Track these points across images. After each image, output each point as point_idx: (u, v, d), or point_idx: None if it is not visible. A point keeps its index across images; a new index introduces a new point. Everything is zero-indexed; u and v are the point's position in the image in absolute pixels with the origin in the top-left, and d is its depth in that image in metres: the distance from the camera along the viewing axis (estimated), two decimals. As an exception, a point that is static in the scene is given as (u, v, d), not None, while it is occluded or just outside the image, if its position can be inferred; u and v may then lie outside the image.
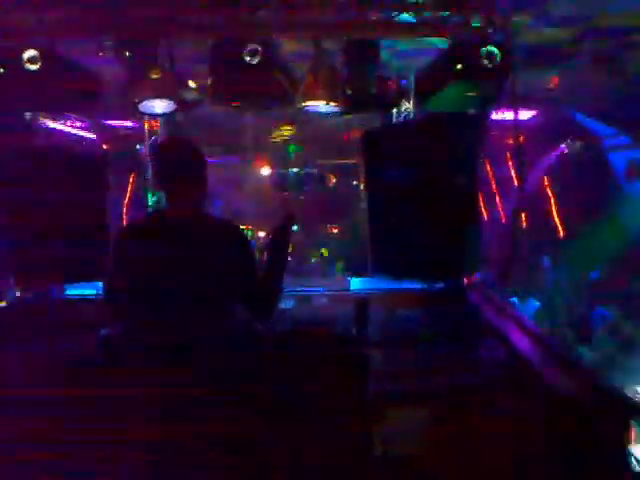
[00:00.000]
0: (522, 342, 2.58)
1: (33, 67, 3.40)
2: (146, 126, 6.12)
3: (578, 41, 4.81)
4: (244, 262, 2.25)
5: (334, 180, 9.38)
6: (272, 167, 7.82)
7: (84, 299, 3.79)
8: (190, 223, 2.24)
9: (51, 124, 5.95)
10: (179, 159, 2.25)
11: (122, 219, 8.14)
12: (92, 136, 6.89)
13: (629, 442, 1.75)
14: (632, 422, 1.74)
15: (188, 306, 2.16)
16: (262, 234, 7.43)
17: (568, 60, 5.25)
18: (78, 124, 6.46)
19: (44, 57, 3.39)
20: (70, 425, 2.15)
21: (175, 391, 2.02)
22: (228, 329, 2.32)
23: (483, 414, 1.96)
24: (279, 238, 2.34)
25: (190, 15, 3.42)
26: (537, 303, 6.98)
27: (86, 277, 3.63)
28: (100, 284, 3.85)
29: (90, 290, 3.85)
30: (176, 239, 2.19)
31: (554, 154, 8.04)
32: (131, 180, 8.25)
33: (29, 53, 3.41)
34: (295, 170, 7.50)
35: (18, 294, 3.67)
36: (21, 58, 3.40)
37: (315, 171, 7.70)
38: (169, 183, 2.24)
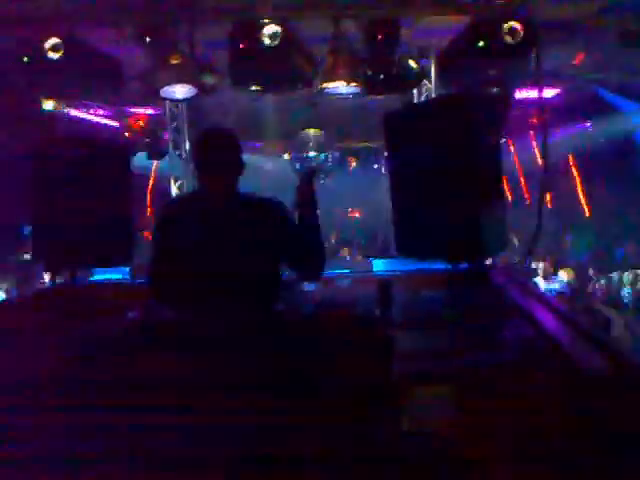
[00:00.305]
0: (548, 321, 2.55)
1: (55, 55, 3.44)
2: (167, 113, 6.17)
3: (601, 15, 4.68)
4: (289, 232, 2.31)
5: (354, 164, 9.34)
6: (292, 151, 7.81)
7: (111, 284, 3.85)
8: (231, 202, 2.30)
9: (74, 112, 6.04)
10: (219, 146, 2.33)
11: (145, 205, 8.26)
12: (115, 124, 6.96)
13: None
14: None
15: (234, 285, 2.21)
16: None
17: (592, 35, 5.13)
18: (101, 112, 6.53)
19: (66, 45, 3.42)
20: (100, 410, 2.19)
21: (207, 375, 2.05)
22: (266, 310, 2.37)
23: (509, 393, 1.95)
24: (305, 194, 2.39)
25: (208, -1, 3.41)
26: (562, 280, 6.92)
27: (111, 262, 3.69)
28: (126, 269, 3.93)
29: (116, 275, 3.92)
30: (219, 217, 2.25)
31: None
32: (154, 167, 8.33)
33: (51, 41, 3.45)
34: (314, 154, 7.48)
35: (47, 279, 3.74)
36: (43, 47, 3.44)
37: (336, 154, 7.68)
38: (210, 169, 2.30)
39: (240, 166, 2.35)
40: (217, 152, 2.32)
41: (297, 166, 7.76)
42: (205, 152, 2.36)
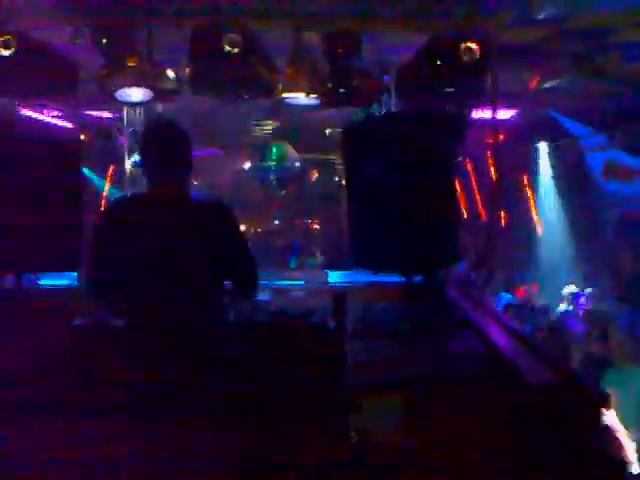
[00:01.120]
0: (498, 335, 2.59)
1: (6, 52, 3.33)
2: (124, 116, 6.06)
3: (556, 41, 4.85)
4: (233, 239, 2.28)
5: (316, 175, 9.36)
6: (253, 161, 7.78)
7: (57, 289, 3.72)
8: (174, 203, 2.24)
9: (26, 112, 5.85)
10: (166, 139, 2.28)
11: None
12: (69, 125, 6.78)
13: (601, 430, 1.77)
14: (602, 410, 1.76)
15: (174, 289, 2.15)
16: (242, 227, 7.39)
17: (547, 60, 5.31)
18: (55, 113, 6.35)
19: (18, 42, 3.32)
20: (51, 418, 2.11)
21: (155, 380, 2.00)
22: (210, 318, 2.32)
23: (457, 404, 1.97)
24: None
25: (169, 2, 3.37)
26: (509, 296, 7.09)
27: (59, 267, 3.57)
28: (74, 274, 3.81)
29: (63, 280, 3.79)
30: (160, 219, 2.18)
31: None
32: (110, 172, 8.15)
33: (2, 38, 3.34)
34: (275, 165, 7.46)
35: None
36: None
37: (297, 166, 7.67)
38: (156, 163, 2.24)
39: (189, 163, 2.30)
40: (167, 144, 2.26)
41: (258, 176, 7.73)
42: (155, 143, 2.30)
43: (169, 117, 4.30)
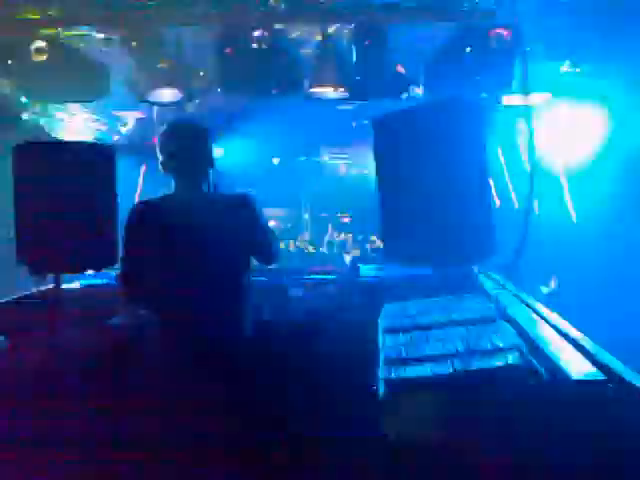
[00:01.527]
0: (535, 327, 2.55)
1: (40, 58, 3.41)
2: (155, 117, 6.13)
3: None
4: (257, 226, 2.35)
5: (344, 169, 9.33)
6: (280, 155, 7.80)
7: (95, 288, 3.81)
8: (201, 200, 2.27)
9: (59, 116, 5.98)
10: (186, 136, 2.31)
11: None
12: (102, 128, 6.92)
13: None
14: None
15: (207, 286, 2.19)
16: (272, 223, 7.42)
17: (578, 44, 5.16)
18: (87, 116, 6.48)
19: (51, 48, 3.39)
20: (83, 417, 2.16)
21: (189, 382, 2.03)
22: (244, 320, 2.35)
23: (493, 400, 1.94)
24: None
25: (197, 3, 3.39)
26: (547, 289, 6.95)
27: (97, 267, 3.64)
28: (112, 274, 3.89)
29: (100, 280, 3.88)
30: (189, 218, 2.22)
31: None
32: (142, 172, 8.28)
33: (36, 44, 3.42)
34: (303, 158, 7.47)
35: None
36: (29, 50, 3.41)
37: (325, 159, 7.67)
38: (177, 162, 2.27)
39: (212, 158, 2.33)
40: (189, 141, 2.31)
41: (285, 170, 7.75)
42: (177, 140, 2.34)
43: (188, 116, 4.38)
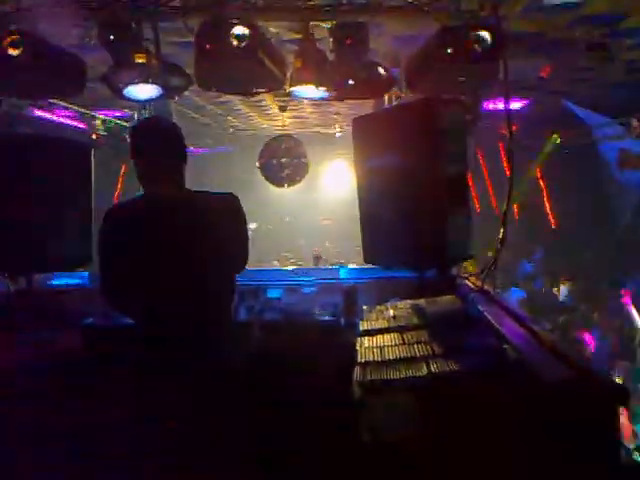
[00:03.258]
0: (512, 330, 2.54)
1: (14, 52, 3.32)
2: (136, 115, 6.06)
3: (570, 28, 4.76)
4: (239, 231, 2.30)
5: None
6: (263, 157, 7.76)
7: (69, 289, 3.73)
8: (178, 201, 2.21)
9: (38, 113, 5.88)
10: (156, 133, 2.26)
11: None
12: (82, 126, 6.82)
13: (618, 429, 1.72)
14: (619, 408, 1.71)
15: (188, 287, 2.14)
16: (252, 226, 7.36)
17: (560, 48, 5.21)
18: (66, 113, 6.37)
19: (26, 42, 3.30)
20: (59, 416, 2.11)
21: (163, 384, 1.99)
22: (223, 320, 2.31)
23: (470, 401, 1.93)
24: None
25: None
26: (521, 292, 7.00)
27: (70, 267, 3.58)
28: (85, 274, 3.82)
29: (74, 280, 3.81)
30: (166, 220, 2.15)
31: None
32: (122, 171, 8.17)
33: (10, 38, 3.32)
34: (285, 160, 7.44)
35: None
36: (2, 44, 3.31)
37: (304, 161, 7.64)
38: (149, 161, 2.22)
39: (184, 154, 2.28)
40: (160, 138, 2.25)
41: (268, 172, 7.70)
42: (147, 139, 2.27)
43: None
